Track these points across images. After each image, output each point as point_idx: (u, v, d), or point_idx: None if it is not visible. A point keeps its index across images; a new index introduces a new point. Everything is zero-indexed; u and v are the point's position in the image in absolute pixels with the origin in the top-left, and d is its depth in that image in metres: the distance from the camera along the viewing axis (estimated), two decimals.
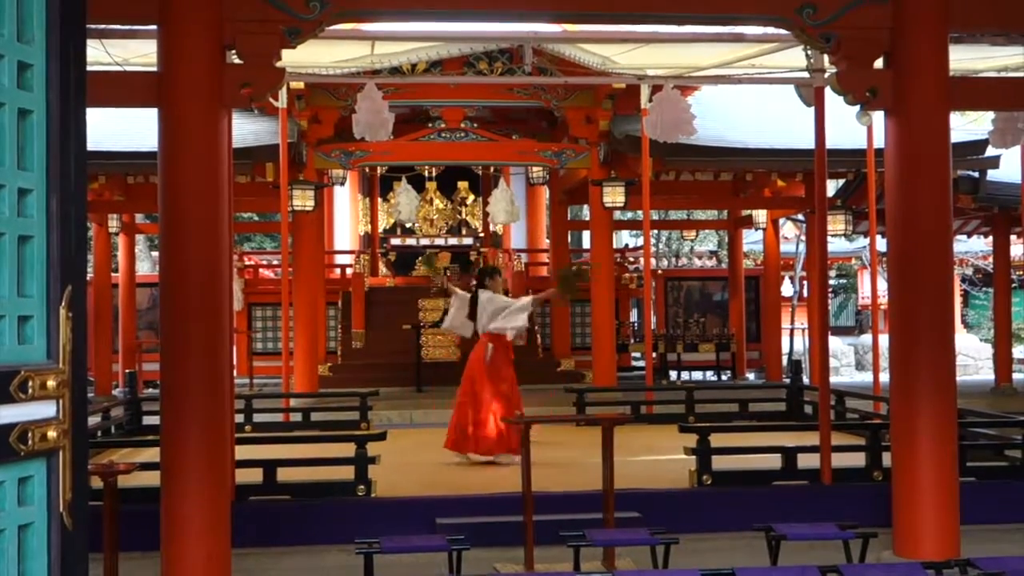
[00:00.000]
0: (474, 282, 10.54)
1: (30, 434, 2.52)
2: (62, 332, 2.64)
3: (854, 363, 27.22)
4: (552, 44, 12.05)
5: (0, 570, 2.49)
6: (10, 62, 2.55)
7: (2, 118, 2.54)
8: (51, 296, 2.64)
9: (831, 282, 27.13)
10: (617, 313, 18.24)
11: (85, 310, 2.74)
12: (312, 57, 10.53)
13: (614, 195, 14.43)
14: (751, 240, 23.66)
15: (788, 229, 24.38)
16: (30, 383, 2.52)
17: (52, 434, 2.59)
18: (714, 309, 21.57)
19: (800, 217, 19.90)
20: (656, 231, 25.58)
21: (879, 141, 8.90)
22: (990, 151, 14.38)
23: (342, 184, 19.29)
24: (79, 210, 2.73)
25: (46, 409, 2.59)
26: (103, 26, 7.31)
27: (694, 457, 8.30)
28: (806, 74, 8.80)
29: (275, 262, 22.53)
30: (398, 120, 10.34)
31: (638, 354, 20.47)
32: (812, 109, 8.61)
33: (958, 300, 26.69)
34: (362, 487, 7.95)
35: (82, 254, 2.76)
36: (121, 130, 13.53)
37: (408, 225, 21.29)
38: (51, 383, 2.59)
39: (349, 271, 20.64)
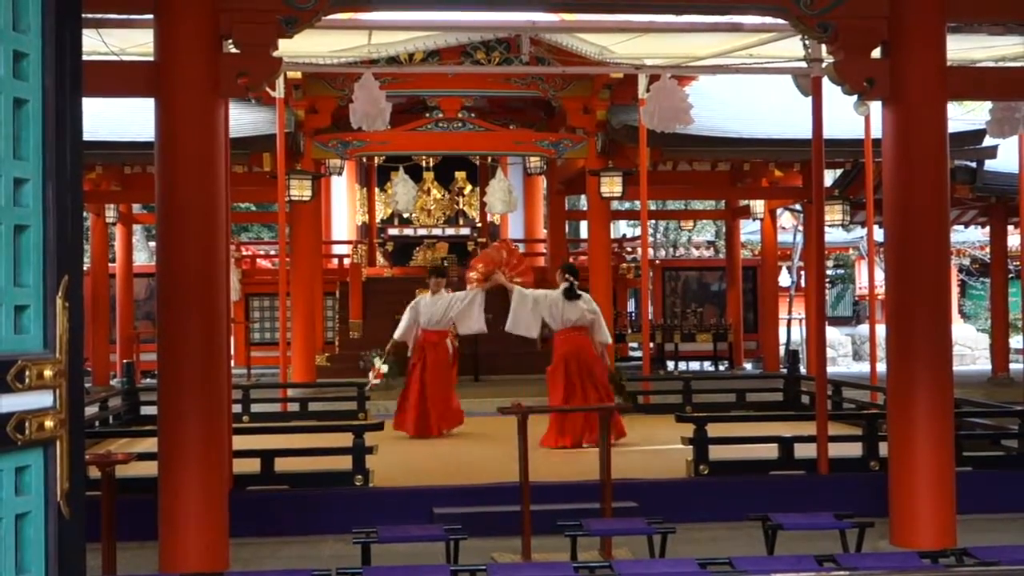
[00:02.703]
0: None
1: (27, 424, 2.52)
2: (59, 322, 2.63)
3: (851, 353, 27.24)
4: (550, 34, 12.03)
5: None
6: (5, 51, 2.55)
7: None
8: (48, 286, 2.63)
9: (828, 272, 27.13)
10: (615, 303, 18.25)
11: (82, 300, 2.73)
12: (309, 46, 10.51)
13: (611, 185, 14.43)
14: (749, 230, 23.65)
15: (786, 219, 24.39)
16: (27, 373, 2.52)
17: (49, 424, 2.59)
18: (712, 299, 21.57)
19: (798, 207, 19.89)
20: (654, 221, 25.60)
21: (877, 131, 8.89)
22: (988, 141, 14.37)
23: (339, 174, 19.26)
24: (75, 199, 2.73)
25: (43, 399, 2.59)
26: (100, 16, 7.29)
27: (691, 447, 8.31)
28: (804, 64, 8.79)
29: (272, 252, 22.55)
30: (395, 110, 10.32)
31: (636, 344, 20.48)
32: (810, 99, 8.60)
33: (955, 290, 26.69)
34: (359, 477, 7.96)
35: (78, 243, 2.76)
36: (118, 120, 13.50)
37: (405, 215, 21.29)
38: (48, 373, 2.58)
39: (346, 261, 20.64)
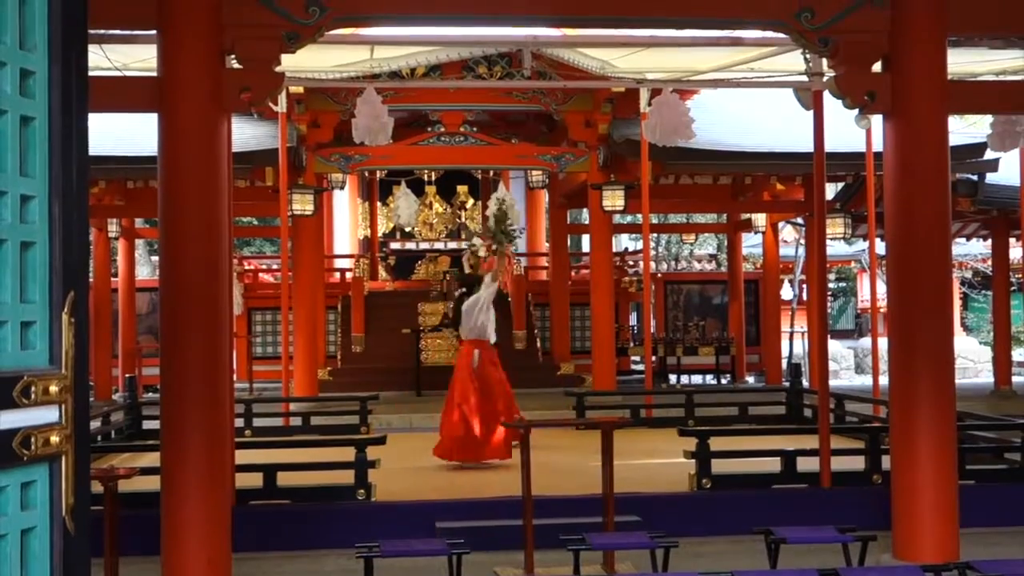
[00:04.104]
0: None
1: (33, 439, 2.53)
2: (64, 337, 2.64)
3: (853, 366, 27.22)
4: (551, 48, 12.07)
5: (3, 574, 2.50)
6: (12, 69, 2.56)
7: (4, 125, 2.55)
8: (53, 302, 2.64)
9: (830, 285, 27.14)
10: (616, 317, 18.25)
11: (87, 315, 2.74)
12: (311, 61, 10.54)
13: (613, 199, 14.44)
14: (750, 243, 23.66)
15: (787, 232, 24.39)
16: (33, 388, 2.53)
17: (55, 439, 2.60)
18: (714, 312, 21.56)
19: (799, 220, 19.90)
20: (655, 234, 25.60)
21: (878, 144, 8.90)
22: (989, 154, 14.38)
23: (341, 188, 19.31)
24: (81, 216, 2.74)
25: (49, 414, 2.60)
26: (103, 31, 7.32)
27: (694, 461, 8.31)
28: (805, 78, 8.81)
29: (275, 266, 22.56)
30: (397, 124, 10.36)
31: (638, 358, 20.47)
32: (811, 112, 8.62)
33: (957, 303, 26.69)
34: (362, 491, 7.96)
35: (84, 260, 2.77)
36: (121, 134, 13.54)
37: (407, 229, 21.31)
38: (53, 388, 2.59)
39: (349, 275, 20.64)
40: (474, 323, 10.27)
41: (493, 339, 10.43)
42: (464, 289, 11.06)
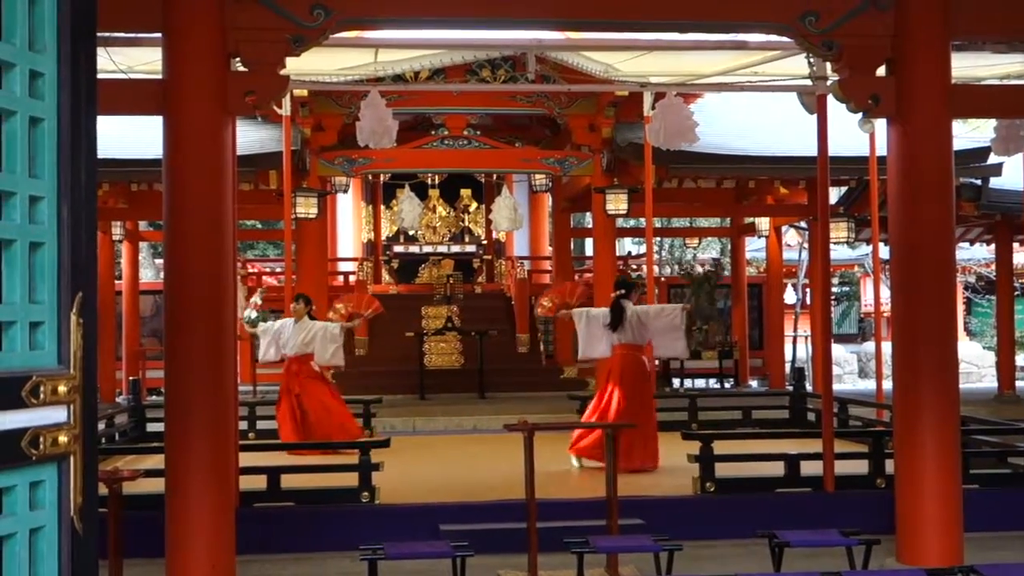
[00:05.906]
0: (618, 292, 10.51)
1: (41, 439, 2.53)
2: (72, 338, 2.65)
3: (857, 370, 27.21)
4: (555, 52, 12.08)
5: (11, 574, 2.50)
6: (22, 71, 2.57)
7: (13, 126, 2.55)
8: (62, 302, 2.65)
9: (834, 289, 27.13)
10: None
11: (95, 316, 2.75)
12: (316, 65, 10.56)
13: (617, 202, 14.45)
14: (754, 248, 23.66)
15: (791, 236, 24.39)
16: (41, 388, 2.53)
17: (63, 439, 2.60)
18: (717, 316, 21.54)
19: (803, 224, 19.92)
20: (659, 238, 25.58)
21: (881, 148, 8.91)
22: (992, 159, 14.36)
23: (345, 191, 19.31)
24: (89, 217, 2.74)
25: (57, 414, 2.60)
26: (108, 34, 7.33)
27: (697, 464, 8.31)
28: (808, 81, 8.82)
29: (278, 269, 22.57)
30: (401, 127, 10.36)
31: None
32: (815, 116, 8.63)
33: (961, 308, 26.66)
34: (366, 494, 7.97)
35: (92, 261, 2.77)
36: (125, 137, 13.55)
37: (411, 232, 21.32)
38: (62, 388, 2.59)
39: (352, 278, 20.65)
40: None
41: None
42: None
